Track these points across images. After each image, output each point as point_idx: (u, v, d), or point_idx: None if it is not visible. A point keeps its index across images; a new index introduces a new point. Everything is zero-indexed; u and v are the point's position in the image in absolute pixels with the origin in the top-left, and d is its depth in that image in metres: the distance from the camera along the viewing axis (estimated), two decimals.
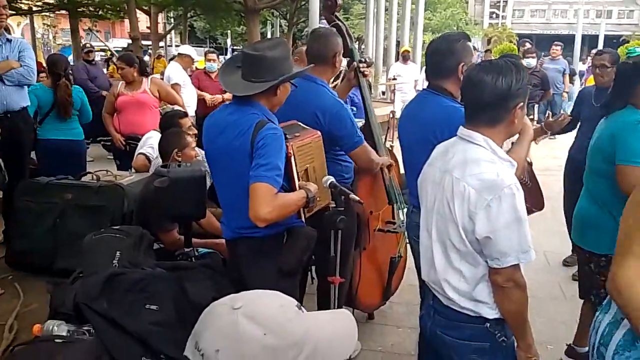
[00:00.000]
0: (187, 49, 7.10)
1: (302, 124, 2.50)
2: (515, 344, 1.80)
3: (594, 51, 5.80)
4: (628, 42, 24.15)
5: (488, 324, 1.76)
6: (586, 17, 35.91)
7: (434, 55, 2.48)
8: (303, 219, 2.30)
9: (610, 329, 1.57)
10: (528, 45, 8.69)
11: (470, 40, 2.52)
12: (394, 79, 8.74)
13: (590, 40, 31.99)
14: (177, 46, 21.59)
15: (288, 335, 0.97)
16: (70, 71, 5.22)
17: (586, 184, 2.89)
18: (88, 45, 9.58)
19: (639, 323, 1.38)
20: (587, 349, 2.95)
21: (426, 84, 2.61)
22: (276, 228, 2.16)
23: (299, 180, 2.25)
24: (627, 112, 2.64)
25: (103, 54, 14.72)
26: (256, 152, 2.07)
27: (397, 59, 11.92)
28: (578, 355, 3.02)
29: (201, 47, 29.70)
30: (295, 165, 2.23)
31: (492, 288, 1.72)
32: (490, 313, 1.75)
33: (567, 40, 11.65)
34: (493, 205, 1.62)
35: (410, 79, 9.17)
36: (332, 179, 2.36)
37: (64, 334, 2.06)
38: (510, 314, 1.73)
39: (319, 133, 2.46)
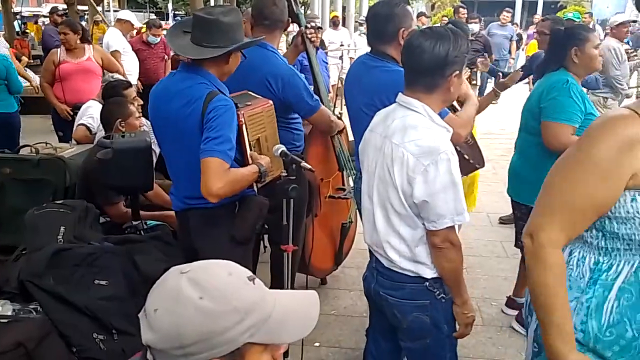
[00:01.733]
0: (126, 14, 6.82)
1: (252, 93, 2.45)
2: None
3: (537, 17, 5.94)
4: (565, 7, 24.84)
5: (427, 283, 1.84)
6: None
7: (375, 21, 2.48)
8: (255, 189, 2.28)
9: None
10: (462, 10, 8.74)
11: (409, 4, 2.52)
12: (342, 45, 8.65)
13: (530, 6, 32.73)
14: (115, 11, 20.61)
15: (228, 301, 0.97)
16: None
17: (518, 140, 3.08)
18: (60, 9, 9.09)
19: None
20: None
21: (357, 48, 2.63)
22: (228, 198, 2.14)
23: (250, 150, 2.22)
24: (559, 73, 2.79)
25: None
26: (207, 125, 2.02)
27: (343, 24, 11.84)
28: (518, 305, 3.21)
29: (141, 12, 28.46)
30: (247, 135, 2.20)
31: (429, 249, 1.80)
32: (429, 273, 1.83)
33: (508, 6, 11.86)
34: (430, 170, 1.68)
35: (345, 45, 9.00)
36: (283, 147, 2.34)
37: (10, 313, 2.01)
38: (447, 272, 1.82)
39: (271, 102, 2.43)
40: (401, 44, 2.40)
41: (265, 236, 3.25)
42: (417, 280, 1.84)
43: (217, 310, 0.95)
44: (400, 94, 1.85)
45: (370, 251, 2.05)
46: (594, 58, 2.79)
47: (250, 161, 2.20)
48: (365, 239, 2.01)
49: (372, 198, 1.87)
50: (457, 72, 1.77)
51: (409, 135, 1.73)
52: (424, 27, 2.57)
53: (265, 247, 3.41)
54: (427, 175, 1.68)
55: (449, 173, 1.69)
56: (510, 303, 3.30)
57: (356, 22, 11.95)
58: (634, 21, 6.23)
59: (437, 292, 1.85)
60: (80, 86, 4.80)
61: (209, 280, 0.99)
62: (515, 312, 3.21)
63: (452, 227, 1.74)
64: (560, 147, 2.67)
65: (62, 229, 2.43)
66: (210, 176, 1.97)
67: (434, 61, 1.72)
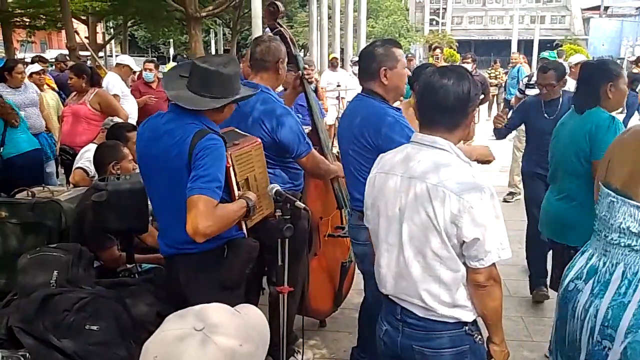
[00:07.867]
0: (125, 58, 6.91)
1: (240, 131, 2.43)
2: (489, 340, 1.84)
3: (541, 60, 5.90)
4: (560, 45, 25.27)
5: (467, 327, 1.77)
6: (521, 23, 37.49)
7: (362, 60, 2.57)
8: (244, 230, 2.21)
9: (616, 312, 1.79)
10: (468, 56, 9.01)
11: (400, 47, 2.58)
12: (338, 85, 8.77)
13: (525, 45, 33.29)
14: (117, 56, 21.03)
15: (253, 337, 1.07)
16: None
17: (561, 186, 2.96)
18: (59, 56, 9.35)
19: None
20: None
21: (350, 89, 2.71)
22: (216, 242, 2.07)
23: (238, 190, 2.18)
24: (597, 111, 2.74)
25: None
26: (195, 163, 1.98)
27: (341, 66, 12.02)
28: None
29: (143, 56, 29.09)
30: (235, 175, 2.16)
31: (471, 289, 1.73)
32: (469, 316, 1.76)
33: (504, 45, 12.08)
34: (475, 206, 1.63)
35: (342, 85, 9.12)
36: (277, 187, 2.32)
37: None
38: (490, 311, 1.76)
39: (259, 140, 2.40)
40: (384, 84, 2.48)
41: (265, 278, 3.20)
42: (456, 327, 1.76)
43: (253, 350, 1.06)
44: (417, 133, 1.81)
45: (386, 304, 1.90)
46: (625, 94, 2.78)
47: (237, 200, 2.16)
48: (382, 289, 1.88)
49: (393, 244, 1.78)
50: (475, 108, 1.79)
51: (445, 174, 1.68)
52: (440, 65, 2.60)
53: (263, 289, 3.35)
54: (473, 213, 1.63)
55: (493, 207, 1.66)
56: None
57: (350, 61, 12.19)
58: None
59: (475, 335, 1.79)
60: (67, 129, 5.01)
61: (230, 326, 1.05)
62: None
63: (494, 264, 1.70)
64: None
65: (55, 273, 2.39)
66: (197, 214, 1.90)
67: (460, 100, 1.72)
